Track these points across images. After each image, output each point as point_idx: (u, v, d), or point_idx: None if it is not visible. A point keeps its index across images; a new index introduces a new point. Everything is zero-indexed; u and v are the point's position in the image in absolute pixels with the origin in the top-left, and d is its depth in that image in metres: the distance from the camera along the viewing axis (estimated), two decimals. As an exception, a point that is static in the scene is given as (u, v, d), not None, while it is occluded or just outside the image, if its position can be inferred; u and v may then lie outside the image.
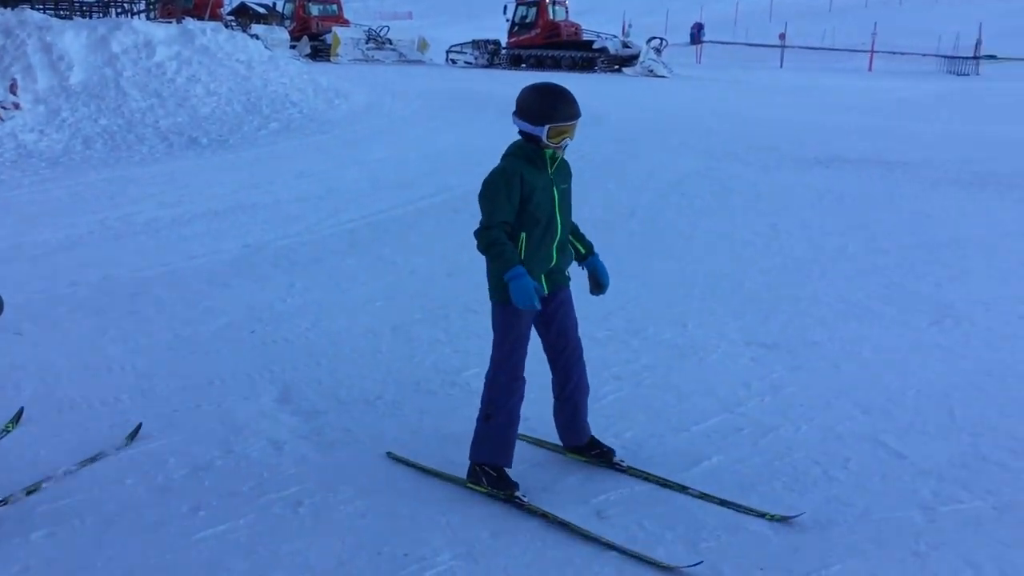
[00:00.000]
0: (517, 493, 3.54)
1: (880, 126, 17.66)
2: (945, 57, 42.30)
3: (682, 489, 3.64)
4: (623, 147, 14.12)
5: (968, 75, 38.63)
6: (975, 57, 41.03)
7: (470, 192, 10.24)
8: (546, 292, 3.61)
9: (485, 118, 18.32)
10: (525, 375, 3.62)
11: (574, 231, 3.81)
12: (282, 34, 34.53)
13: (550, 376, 3.80)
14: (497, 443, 3.60)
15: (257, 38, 21.91)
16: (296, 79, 18.43)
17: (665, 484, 3.68)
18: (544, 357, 3.78)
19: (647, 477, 3.75)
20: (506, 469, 3.62)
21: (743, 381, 4.83)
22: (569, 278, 3.76)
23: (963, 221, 8.92)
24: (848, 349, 5.33)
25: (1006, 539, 3.30)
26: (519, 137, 3.56)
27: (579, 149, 13.88)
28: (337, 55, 37.65)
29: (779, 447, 4.05)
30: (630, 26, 45.63)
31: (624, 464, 3.82)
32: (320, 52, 38.28)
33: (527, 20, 39.42)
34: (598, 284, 3.81)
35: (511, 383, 3.59)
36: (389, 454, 3.96)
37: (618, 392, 4.67)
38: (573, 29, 39.10)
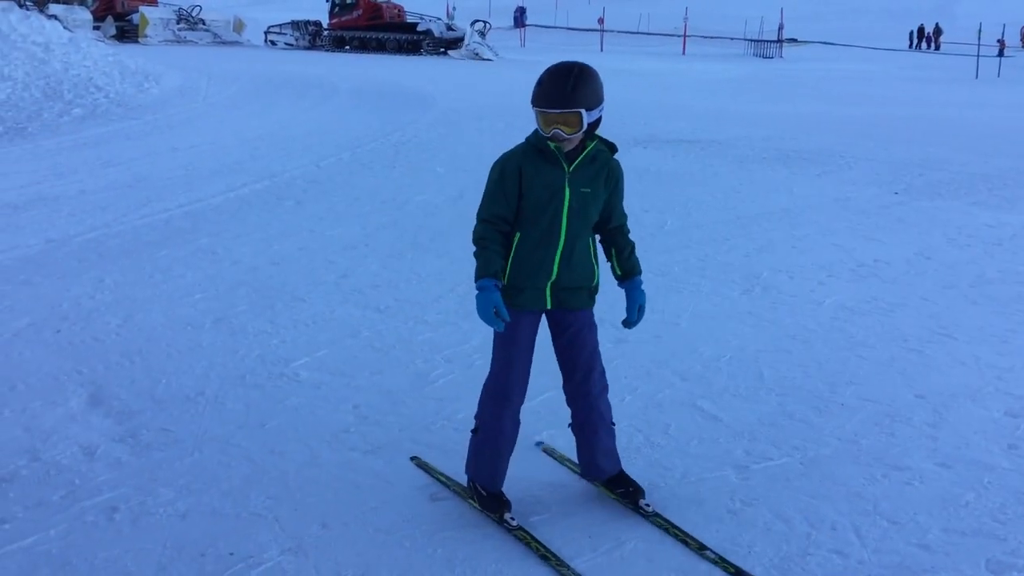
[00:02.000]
0: (506, 515, 3.22)
1: (694, 107, 18.50)
2: (751, 41, 44.88)
3: (700, 549, 3.13)
4: (451, 131, 14.16)
5: (772, 57, 41.14)
6: (778, 40, 43.72)
7: (295, 178, 10.15)
8: (548, 306, 3.21)
9: (308, 102, 17.89)
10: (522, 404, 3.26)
11: (620, 249, 3.33)
12: (83, 14, 32.55)
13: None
14: (482, 462, 3.30)
15: (56, 19, 20.58)
16: (101, 62, 17.38)
17: (683, 539, 3.19)
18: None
19: (668, 529, 3.25)
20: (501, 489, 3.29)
21: (570, 356, 4.94)
22: (591, 301, 3.31)
23: (769, 196, 9.48)
24: (668, 320, 5.57)
25: (812, 492, 3.53)
26: None
27: (406, 132, 13.84)
28: (146, 36, 35.79)
29: (605, 418, 4.17)
30: (454, 9, 45.73)
31: (650, 509, 3.34)
32: (127, 33, 36.30)
33: (348, 1, 38.70)
34: (627, 317, 3.36)
35: (499, 401, 3.25)
36: (414, 459, 3.75)
37: (450, 375, 4.69)
38: (396, 11, 38.77)
